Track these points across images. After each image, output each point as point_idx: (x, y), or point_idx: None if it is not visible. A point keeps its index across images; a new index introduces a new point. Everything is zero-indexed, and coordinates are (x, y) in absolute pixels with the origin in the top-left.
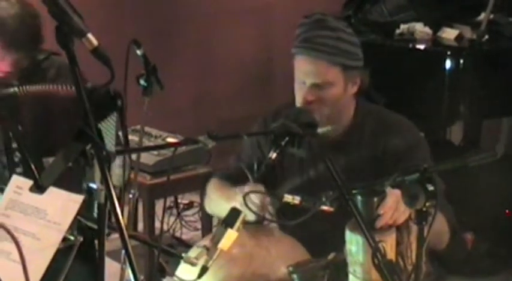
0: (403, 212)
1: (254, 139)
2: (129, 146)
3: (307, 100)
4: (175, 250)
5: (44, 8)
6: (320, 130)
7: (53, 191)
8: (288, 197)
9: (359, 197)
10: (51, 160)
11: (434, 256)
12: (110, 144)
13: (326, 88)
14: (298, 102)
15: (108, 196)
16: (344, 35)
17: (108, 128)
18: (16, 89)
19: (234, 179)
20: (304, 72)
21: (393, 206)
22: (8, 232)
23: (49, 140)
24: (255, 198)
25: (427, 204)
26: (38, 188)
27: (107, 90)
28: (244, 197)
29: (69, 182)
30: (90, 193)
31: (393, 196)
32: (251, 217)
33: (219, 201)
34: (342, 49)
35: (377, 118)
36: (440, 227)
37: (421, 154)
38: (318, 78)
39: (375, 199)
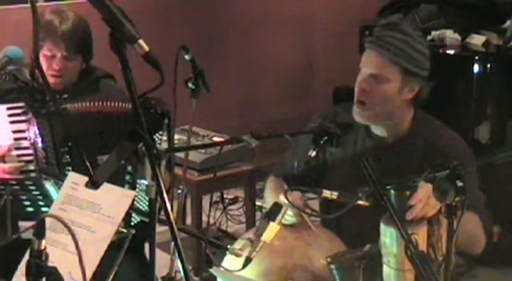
0: (433, 206)
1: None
2: (174, 161)
3: (361, 88)
4: (221, 242)
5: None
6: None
7: (106, 187)
8: (327, 193)
9: (392, 191)
10: (105, 157)
11: None
12: None
13: (381, 82)
14: (355, 91)
15: (159, 192)
16: (412, 41)
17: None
18: (68, 105)
19: (289, 176)
20: (366, 62)
21: (423, 199)
22: (65, 225)
23: (101, 143)
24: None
25: (457, 199)
26: (93, 184)
27: (154, 109)
28: (286, 197)
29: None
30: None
31: (424, 189)
32: (290, 220)
33: (270, 200)
34: (405, 52)
35: (432, 129)
36: (476, 230)
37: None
38: (376, 70)
39: (407, 193)
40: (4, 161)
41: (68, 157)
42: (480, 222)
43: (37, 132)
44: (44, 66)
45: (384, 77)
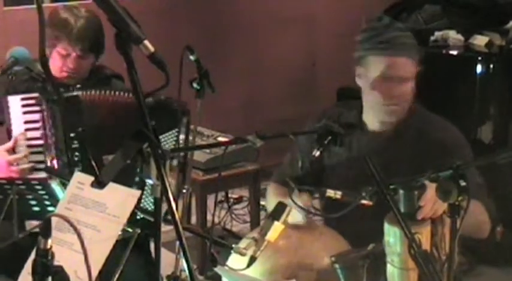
0: (441, 204)
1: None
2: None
3: (392, 95)
4: (226, 241)
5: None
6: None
7: (112, 187)
8: (330, 192)
9: (401, 191)
10: (110, 157)
11: (467, 247)
12: None
13: (405, 82)
14: (379, 100)
15: (164, 192)
16: (410, 34)
17: (168, 141)
18: (80, 92)
19: (291, 178)
20: (386, 68)
21: (433, 198)
22: (71, 224)
23: (110, 140)
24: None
25: (460, 198)
26: (99, 183)
27: (174, 107)
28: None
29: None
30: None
31: (433, 190)
32: (299, 217)
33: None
34: (413, 46)
35: (422, 117)
36: (481, 217)
37: (467, 152)
38: (401, 72)
39: (416, 192)
40: (15, 152)
41: (75, 141)
42: (485, 208)
43: (48, 121)
44: (58, 63)
45: (406, 77)
